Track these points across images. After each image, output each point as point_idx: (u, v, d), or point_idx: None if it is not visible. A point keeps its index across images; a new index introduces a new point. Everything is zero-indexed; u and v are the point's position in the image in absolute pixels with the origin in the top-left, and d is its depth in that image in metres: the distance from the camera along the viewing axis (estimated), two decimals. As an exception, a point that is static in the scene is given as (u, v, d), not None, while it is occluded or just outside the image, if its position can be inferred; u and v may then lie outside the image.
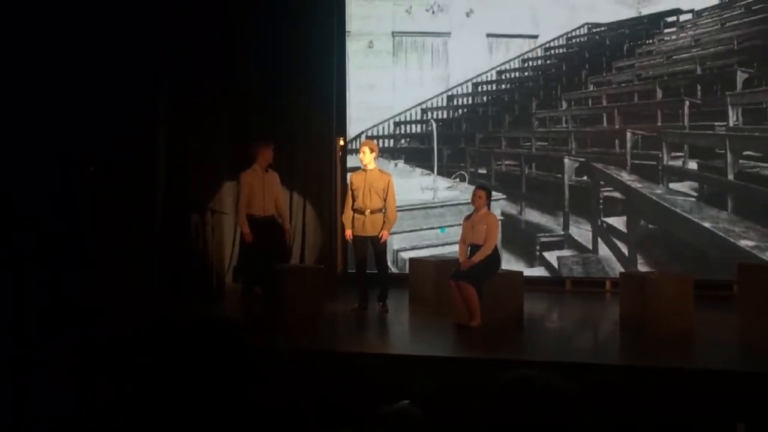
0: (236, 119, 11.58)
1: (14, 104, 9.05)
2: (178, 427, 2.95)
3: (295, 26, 11.76)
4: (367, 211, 9.54)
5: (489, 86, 12.36)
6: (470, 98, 12.40)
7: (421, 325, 9.31)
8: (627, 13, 11.74)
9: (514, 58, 12.21)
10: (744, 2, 11.22)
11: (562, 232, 11.68)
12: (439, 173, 12.23)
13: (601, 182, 11.55)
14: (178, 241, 10.94)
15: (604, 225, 11.52)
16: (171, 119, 10.78)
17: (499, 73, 12.28)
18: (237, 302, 10.21)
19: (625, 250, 11.35)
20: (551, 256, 11.69)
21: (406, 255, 11.77)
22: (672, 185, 11.25)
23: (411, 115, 12.45)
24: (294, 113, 11.79)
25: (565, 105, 11.95)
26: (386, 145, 12.40)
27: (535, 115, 12.06)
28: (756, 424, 5.43)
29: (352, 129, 12.37)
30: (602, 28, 11.88)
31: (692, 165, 11.20)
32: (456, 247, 9.40)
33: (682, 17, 11.54)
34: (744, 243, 10.74)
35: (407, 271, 10.81)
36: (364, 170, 9.62)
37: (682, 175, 11.25)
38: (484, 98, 12.41)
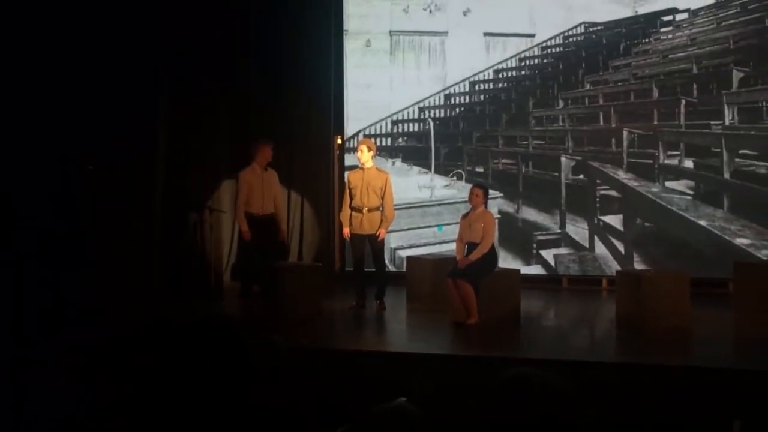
0: (235, 118, 11.60)
1: (14, 104, 9.05)
2: (178, 426, 2.97)
3: (292, 26, 11.78)
4: (365, 210, 9.56)
5: (486, 85, 12.38)
6: (467, 97, 12.43)
7: (419, 323, 9.31)
8: (623, 13, 11.76)
9: (511, 57, 12.24)
10: (740, 1, 11.25)
11: (559, 231, 11.71)
12: (437, 172, 12.25)
13: (598, 181, 11.57)
14: (177, 239, 10.95)
15: (601, 223, 11.55)
16: (170, 119, 10.80)
17: (496, 72, 12.30)
18: (235, 300, 10.22)
19: (621, 248, 11.38)
20: (548, 254, 11.72)
21: (404, 253, 11.78)
22: (668, 184, 11.28)
23: (408, 113, 12.46)
24: (292, 112, 11.81)
25: (561, 104, 11.97)
26: (384, 143, 12.42)
27: (532, 113, 12.08)
28: (752, 421, 5.45)
29: (350, 128, 12.39)
30: (599, 28, 11.91)
31: (688, 163, 11.23)
32: (453, 246, 9.43)
33: (679, 16, 11.57)
34: (740, 241, 10.77)
35: (405, 269, 10.80)
36: (362, 169, 9.64)
37: (678, 173, 11.28)
38: (481, 97, 12.43)
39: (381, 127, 12.49)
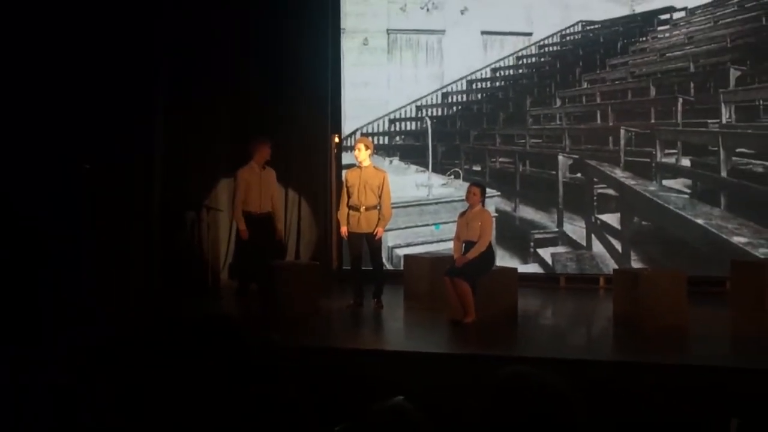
0: (233, 117, 11.60)
1: (13, 104, 9.05)
2: (178, 426, 2.97)
3: (290, 24, 11.76)
4: (362, 208, 9.56)
5: (483, 84, 12.39)
6: (465, 95, 12.44)
7: (416, 322, 9.33)
8: (621, 11, 11.77)
9: (509, 56, 12.24)
10: (737, 0, 11.27)
11: (556, 229, 11.72)
12: (434, 170, 12.26)
13: (595, 179, 11.58)
14: (175, 239, 10.95)
15: (598, 222, 11.56)
16: (169, 118, 10.80)
17: (494, 70, 12.30)
18: (233, 299, 10.23)
19: (618, 246, 11.39)
20: (545, 253, 11.73)
21: (401, 252, 11.78)
22: (665, 182, 11.29)
23: (406, 112, 12.46)
24: (289, 111, 11.80)
25: (559, 102, 11.98)
26: (381, 142, 12.42)
27: (530, 112, 12.09)
28: (749, 420, 5.47)
29: (347, 126, 12.38)
30: (596, 26, 11.92)
31: (685, 162, 11.24)
32: (450, 244, 9.44)
33: (676, 15, 11.57)
34: (737, 239, 10.79)
35: (402, 268, 10.83)
36: (359, 167, 9.65)
37: (676, 172, 11.29)
38: (479, 95, 12.44)
39: (378, 125, 12.49)
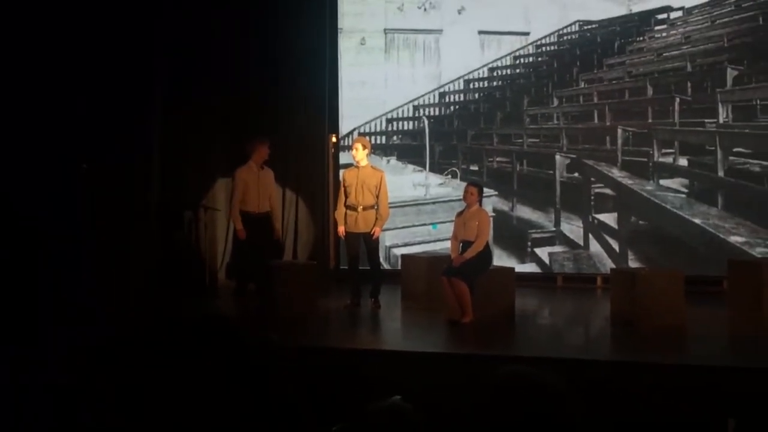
0: (231, 117, 11.59)
1: (12, 103, 9.06)
2: (178, 426, 2.98)
3: (287, 24, 11.76)
4: (360, 208, 9.56)
5: (481, 83, 12.39)
6: (462, 95, 12.44)
7: (414, 322, 9.34)
8: (618, 11, 11.78)
9: (506, 56, 12.24)
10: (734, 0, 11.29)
11: (554, 229, 11.73)
12: (431, 170, 12.26)
13: (592, 179, 11.59)
14: (172, 238, 10.95)
15: (595, 221, 11.57)
16: (167, 118, 10.80)
17: (491, 70, 12.31)
18: (230, 299, 10.23)
19: (615, 246, 11.40)
20: (542, 253, 11.73)
21: (399, 251, 11.80)
22: (662, 182, 11.30)
23: (403, 112, 12.47)
24: (287, 110, 11.80)
25: (556, 102, 11.99)
26: (378, 141, 12.42)
27: (527, 112, 12.10)
28: (747, 420, 5.49)
29: (345, 126, 12.38)
30: (593, 26, 11.93)
31: (683, 162, 11.25)
32: (448, 244, 9.44)
33: (673, 14, 11.58)
34: (734, 239, 10.80)
35: (399, 268, 10.83)
36: (357, 167, 9.65)
37: (673, 171, 11.30)
38: (476, 95, 12.44)
39: (376, 125, 12.49)
